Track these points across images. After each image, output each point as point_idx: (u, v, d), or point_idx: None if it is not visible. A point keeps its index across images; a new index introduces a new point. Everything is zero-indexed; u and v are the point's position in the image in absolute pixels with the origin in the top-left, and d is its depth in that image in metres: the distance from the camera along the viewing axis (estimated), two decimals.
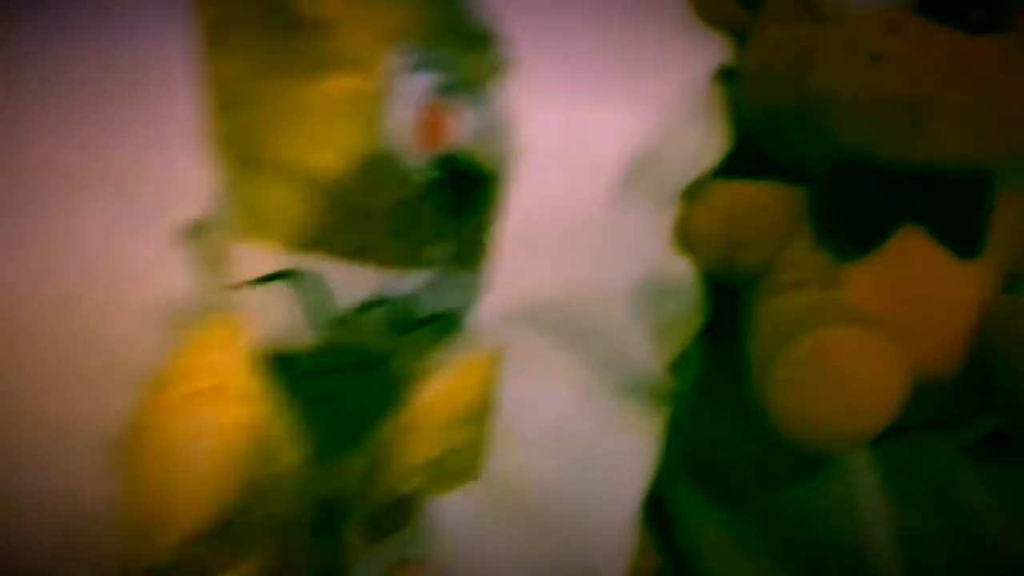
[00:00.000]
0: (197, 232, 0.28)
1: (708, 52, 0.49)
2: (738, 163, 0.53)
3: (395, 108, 0.27)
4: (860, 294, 0.46)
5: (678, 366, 0.53)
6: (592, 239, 0.43)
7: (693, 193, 0.51)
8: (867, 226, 0.46)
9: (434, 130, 0.28)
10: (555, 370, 0.43)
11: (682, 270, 0.50)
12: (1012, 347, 0.44)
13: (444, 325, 0.30)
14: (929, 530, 0.47)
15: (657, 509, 0.51)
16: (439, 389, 0.32)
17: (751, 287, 0.49)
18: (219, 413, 0.26)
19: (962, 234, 0.47)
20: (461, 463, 0.34)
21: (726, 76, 0.51)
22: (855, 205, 0.47)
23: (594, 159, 0.44)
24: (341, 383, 0.29)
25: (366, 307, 0.27)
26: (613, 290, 0.45)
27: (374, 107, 0.26)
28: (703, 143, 0.49)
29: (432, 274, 0.29)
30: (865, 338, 0.41)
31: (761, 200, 0.49)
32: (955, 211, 0.47)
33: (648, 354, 0.48)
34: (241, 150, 0.27)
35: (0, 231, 0.36)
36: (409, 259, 0.28)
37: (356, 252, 0.27)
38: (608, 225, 0.44)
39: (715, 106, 0.50)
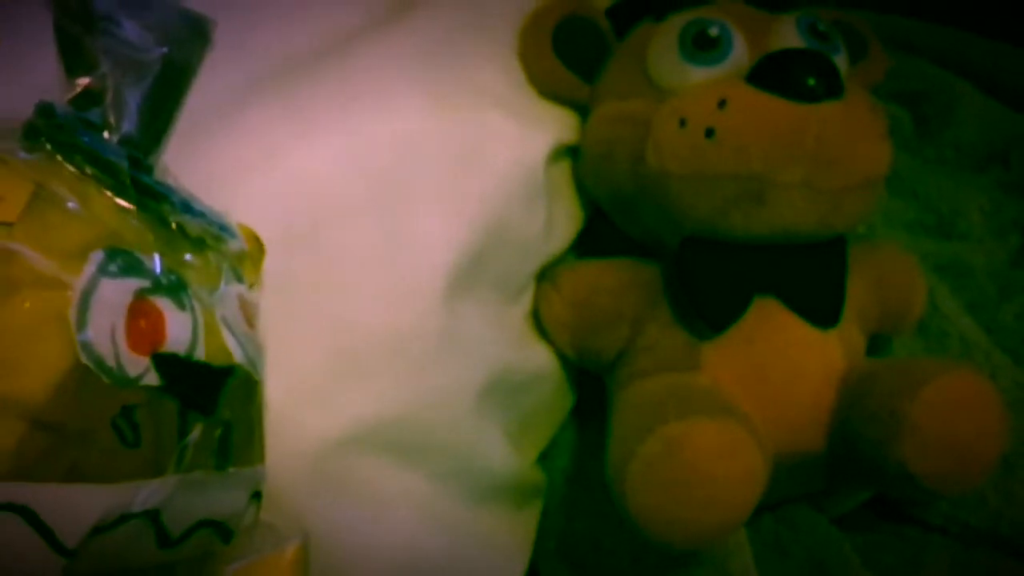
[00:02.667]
0: None
1: (543, 132, 0.47)
2: (594, 239, 0.51)
3: (95, 317, 0.25)
4: (719, 373, 0.44)
5: (548, 456, 0.51)
6: (420, 346, 0.41)
7: (544, 278, 0.49)
8: (720, 301, 0.45)
9: (144, 332, 0.26)
10: (396, 493, 0.41)
11: (539, 360, 0.48)
12: (870, 419, 0.42)
13: (217, 528, 0.28)
14: None
15: None
16: None
17: (611, 373, 0.47)
18: None
19: (819, 302, 0.45)
20: None
21: (571, 153, 0.49)
22: (707, 280, 0.45)
23: (417, 265, 0.41)
24: None
25: (109, 526, 0.25)
26: (454, 397, 0.42)
27: (67, 321, 0.24)
28: (547, 225, 0.47)
29: (191, 477, 0.27)
30: (718, 429, 0.39)
31: (613, 282, 0.48)
32: (810, 279, 0.46)
33: (505, 454, 0.45)
34: None
35: None
36: (154, 467, 0.26)
37: (81, 473, 0.24)
38: (439, 328, 0.41)
39: (559, 184, 0.48)
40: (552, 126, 0.47)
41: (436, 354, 0.41)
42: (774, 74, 0.43)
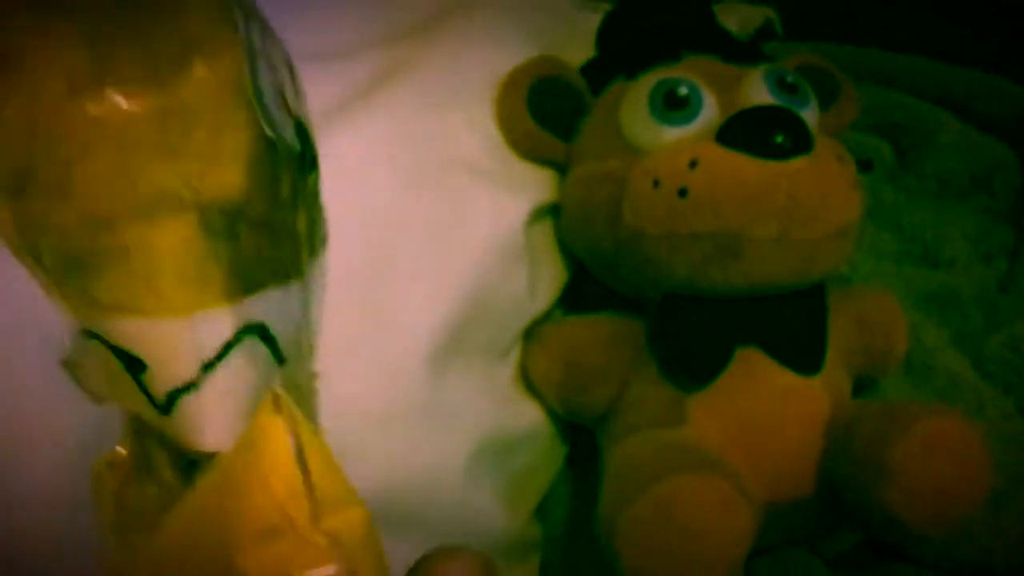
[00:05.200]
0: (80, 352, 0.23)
1: (522, 196, 0.48)
2: (580, 295, 0.52)
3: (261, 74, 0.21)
4: (706, 426, 0.45)
5: (544, 508, 0.52)
6: (411, 422, 0.42)
7: (530, 337, 0.50)
8: (703, 355, 0.46)
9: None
10: (390, 565, 0.42)
11: (528, 417, 0.49)
12: (855, 464, 0.43)
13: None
14: None
15: None
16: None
17: (601, 428, 0.48)
18: None
19: (801, 349, 0.46)
20: None
21: (552, 212, 0.50)
22: (688, 335, 0.46)
23: (399, 342, 0.42)
24: None
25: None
26: (444, 467, 0.43)
27: (251, 87, 0.21)
28: (531, 285, 0.48)
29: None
30: (705, 486, 0.40)
31: (599, 338, 0.49)
32: (790, 327, 0.46)
33: (499, 515, 0.46)
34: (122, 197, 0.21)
35: None
36: (307, 242, 0.24)
37: (283, 271, 0.22)
38: (427, 400, 0.42)
39: (541, 244, 0.49)
40: (531, 188, 0.48)
41: (424, 427, 0.42)
42: (743, 133, 0.43)
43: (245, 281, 0.22)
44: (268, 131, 0.22)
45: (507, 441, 0.47)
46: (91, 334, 0.22)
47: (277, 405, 0.22)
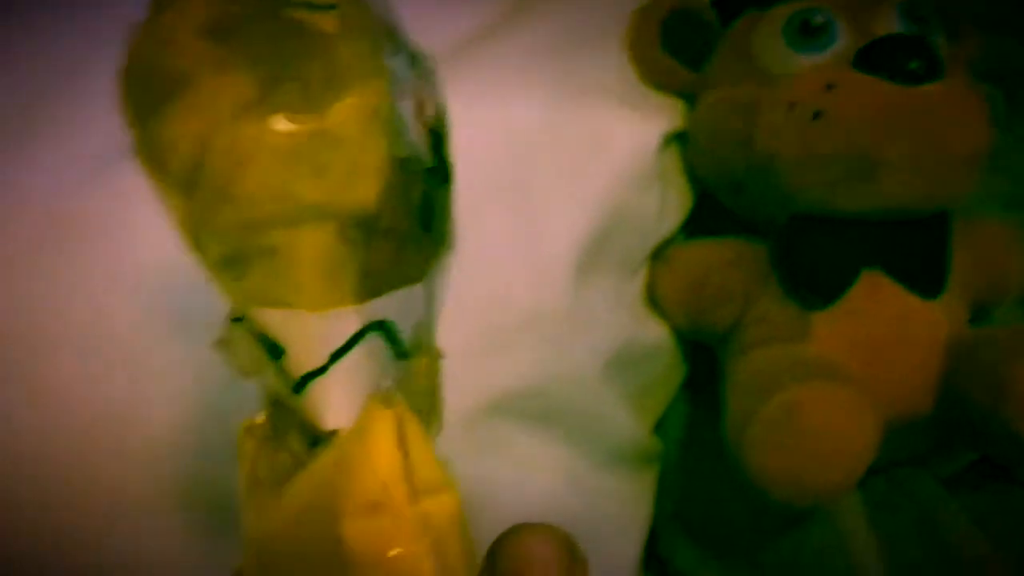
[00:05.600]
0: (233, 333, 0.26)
1: (656, 120, 0.50)
2: (702, 220, 0.54)
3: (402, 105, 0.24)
4: (829, 344, 0.47)
5: (662, 425, 0.54)
6: (556, 322, 0.44)
7: (657, 258, 0.52)
8: (829, 275, 0.47)
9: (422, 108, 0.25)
10: (535, 453, 0.44)
11: (655, 334, 0.51)
12: (976, 382, 0.45)
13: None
14: (918, 563, 0.48)
15: (658, 569, 0.52)
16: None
17: (724, 345, 0.50)
18: None
19: (924, 273, 0.48)
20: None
21: (679, 138, 0.52)
22: (815, 255, 0.48)
23: (550, 248, 0.45)
24: None
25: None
26: (584, 368, 0.46)
27: (390, 113, 0.24)
28: (661, 207, 0.50)
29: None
30: (834, 393, 0.42)
31: (723, 259, 0.50)
32: (914, 251, 0.48)
33: (629, 421, 0.49)
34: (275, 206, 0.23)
35: None
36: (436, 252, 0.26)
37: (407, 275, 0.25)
38: (571, 305, 0.45)
39: (670, 169, 0.51)
40: (662, 114, 0.50)
41: (568, 329, 0.45)
42: (879, 59, 0.45)
43: (373, 284, 0.25)
44: (404, 151, 0.24)
45: (635, 354, 0.49)
46: (240, 320, 0.26)
47: (387, 399, 0.25)
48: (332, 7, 0.24)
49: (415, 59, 0.26)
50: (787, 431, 0.41)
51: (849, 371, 0.45)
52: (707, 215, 0.54)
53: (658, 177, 0.50)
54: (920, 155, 0.45)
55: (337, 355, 0.25)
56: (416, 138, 0.25)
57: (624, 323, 0.48)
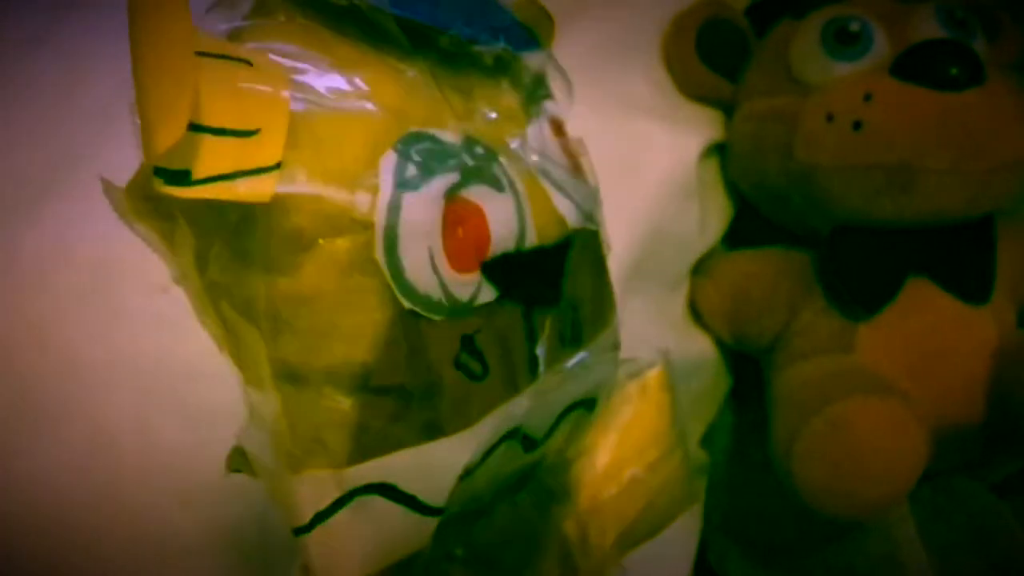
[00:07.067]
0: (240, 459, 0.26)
1: (694, 134, 0.50)
2: (743, 231, 0.54)
3: (408, 248, 0.20)
4: (875, 354, 0.46)
5: (709, 437, 0.54)
6: None
7: (699, 270, 0.52)
8: (873, 284, 0.47)
9: (466, 243, 0.22)
10: None
11: (699, 346, 0.51)
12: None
13: (585, 404, 0.26)
14: (971, 573, 0.48)
15: None
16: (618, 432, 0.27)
17: (768, 357, 0.50)
18: None
19: (969, 279, 0.47)
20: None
21: (719, 150, 0.52)
22: (859, 265, 0.47)
23: None
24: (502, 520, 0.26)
25: (473, 468, 0.23)
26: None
27: (377, 264, 0.21)
28: (702, 220, 0.50)
29: (547, 383, 0.24)
30: (881, 407, 0.42)
31: (766, 271, 0.50)
32: (959, 258, 0.47)
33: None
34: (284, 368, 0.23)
35: None
36: (508, 387, 0.22)
37: (436, 426, 0.22)
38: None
39: (710, 181, 0.51)
40: (701, 127, 0.50)
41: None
42: (917, 66, 0.44)
43: (363, 450, 0.23)
44: (410, 301, 0.22)
45: (680, 367, 0.49)
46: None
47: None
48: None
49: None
50: (834, 447, 0.41)
51: (896, 382, 0.45)
52: (748, 226, 0.53)
53: (698, 189, 0.50)
54: (961, 164, 0.44)
55: (320, 516, 0.23)
56: (442, 283, 0.21)
57: (667, 336, 0.48)
